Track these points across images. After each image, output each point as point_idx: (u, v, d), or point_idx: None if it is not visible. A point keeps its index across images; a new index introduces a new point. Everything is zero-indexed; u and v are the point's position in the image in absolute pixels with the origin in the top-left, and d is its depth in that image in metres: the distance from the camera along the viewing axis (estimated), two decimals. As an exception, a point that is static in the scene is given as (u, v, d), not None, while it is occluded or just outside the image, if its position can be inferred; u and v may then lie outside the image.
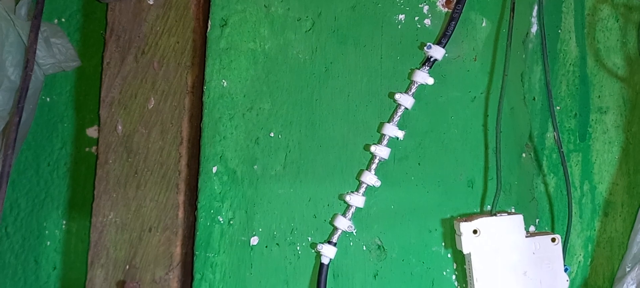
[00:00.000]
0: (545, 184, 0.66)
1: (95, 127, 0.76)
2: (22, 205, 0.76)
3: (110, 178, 0.68)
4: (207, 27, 0.70)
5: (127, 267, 0.66)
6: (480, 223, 0.60)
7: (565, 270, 0.60)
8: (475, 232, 0.60)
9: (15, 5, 0.65)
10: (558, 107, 0.67)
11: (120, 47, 0.70)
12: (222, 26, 0.67)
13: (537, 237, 0.60)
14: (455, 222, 0.62)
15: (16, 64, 0.65)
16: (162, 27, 0.69)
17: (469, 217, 0.62)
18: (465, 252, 0.60)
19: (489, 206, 0.64)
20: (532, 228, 0.64)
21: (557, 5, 0.68)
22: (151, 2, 0.70)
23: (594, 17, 0.68)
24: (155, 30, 0.69)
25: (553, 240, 0.60)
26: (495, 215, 0.61)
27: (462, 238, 0.60)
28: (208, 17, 0.70)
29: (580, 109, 0.67)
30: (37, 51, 0.65)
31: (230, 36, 0.67)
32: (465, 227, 0.60)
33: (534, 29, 0.67)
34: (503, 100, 0.63)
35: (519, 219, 0.60)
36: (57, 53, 0.67)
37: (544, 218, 0.66)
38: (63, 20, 0.77)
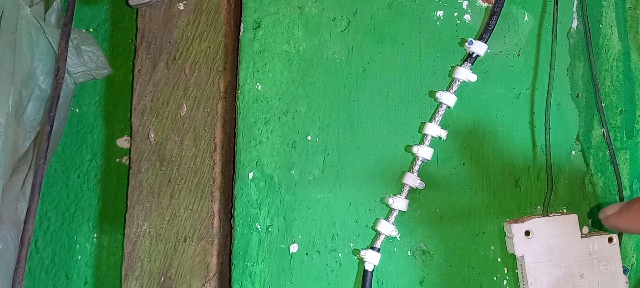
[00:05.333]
0: (593, 184, 0.63)
1: (126, 137, 0.74)
2: (52, 218, 0.74)
3: (144, 188, 0.66)
4: (238, 31, 0.68)
5: (162, 278, 0.64)
6: (532, 224, 0.57)
7: (625, 271, 0.57)
8: (527, 233, 0.57)
9: (45, 12, 0.64)
10: (603, 104, 0.64)
11: (151, 54, 0.68)
12: (255, 28, 0.66)
13: (593, 237, 0.57)
14: (505, 224, 0.59)
15: (47, 72, 0.63)
16: (193, 33, 0.68)
17: (519, 218, 0.60)
18: (518, 254, 0.57)
19: (538, 207, 0.61)
20: (585, 229, 0.61)
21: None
22: (181, 8, 0.68)
23: (636, 10, 0.65)
24: (186, 36, 0.68)
25: (610, 240, 0.57)
26: (547, 215, 0.58)
27: (514, 240, 0.57)
28: (239, 21, 0.68)
29: (625, 105, 0.64)
30: (68, 59, 0.64)
31: (264, 38, 0.65)
32: (516, 229, 0.57)
33: (575, 23, 0.65)
34: (551, 96, 0.61)
35: (573, 219, 0.57)
36: (87, 61, 0.66)
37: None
38: (91, 30, 0.75)
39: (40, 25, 0.62)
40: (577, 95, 0.64)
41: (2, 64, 0.55)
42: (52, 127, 0.60)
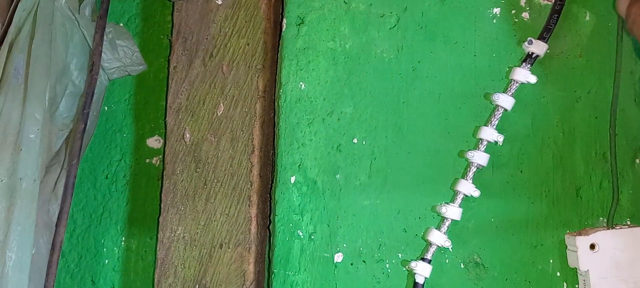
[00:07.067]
0: (651, 194, 0.59)
1: (156, 136, 0.71)
2: (78, 221, 0.71)
3: (178, 190, 0.63)
4: (278, 28, 0.65)
5: (197, 286, 0.61)
6: (598, 237, 0.53)
7: (697, 289, 0.53)
8: (592, 246, 0.53)
9: (80, 4, 0.61)
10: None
11: (187, 50, 0.65)
12: (299, 25, 0.62)
13: (662, 252, 0.53)
14: (567, 236, 0.55)
15: (80, 67, 0.60)
16: (231, 29, 0.65)
17: (581, 230, 0.56)
18: (582, 269, 0.53)
19: (601, 218, 0.57)
20: (651, 243, 0.57)
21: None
22: (220, 2, 0.65)
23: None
24: (224, 32, 0.65)
25: (680, 255, 0.53)
26: (613, 227, 0.55)
27: (578, 254, 0.53)
28: (279, 17, 0.65)
29: (685, 111, 0.61)
30: (102, 54, 0.60)
31: (308, 35, 0.62)
32: (581, 242, 0.53)
33: (633, 24, 0.61)
34: (617, 99, 0.57)
35: (642, 232, 0.54)
36: (123, 56, 0.63)
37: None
38: (121, 24, 0.72)
39: (75, 17, 0.59)
40: (634, 100, 0.60)
41: (39, 57, 0.52)
42: (86, 125, 0.57)
